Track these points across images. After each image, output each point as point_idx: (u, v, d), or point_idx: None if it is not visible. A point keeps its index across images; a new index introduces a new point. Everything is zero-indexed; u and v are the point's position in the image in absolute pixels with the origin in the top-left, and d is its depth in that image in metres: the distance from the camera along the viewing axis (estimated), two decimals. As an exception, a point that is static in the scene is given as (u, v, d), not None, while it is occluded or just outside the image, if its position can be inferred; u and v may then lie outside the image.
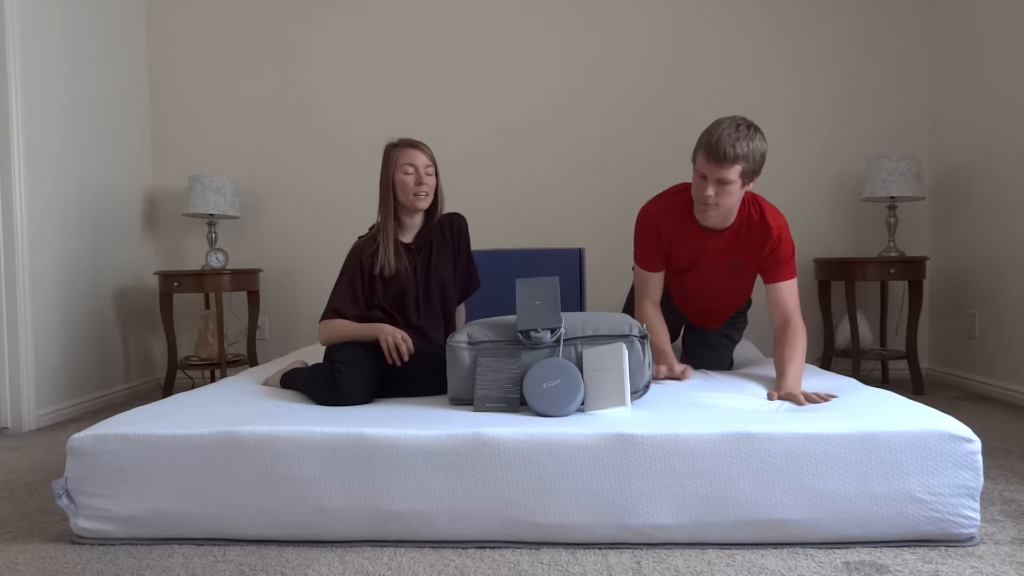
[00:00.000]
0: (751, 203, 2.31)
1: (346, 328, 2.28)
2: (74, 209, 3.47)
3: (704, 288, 2.47)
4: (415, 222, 2.40)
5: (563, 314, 2.02)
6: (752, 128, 2.11)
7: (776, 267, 2.30)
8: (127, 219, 3.93)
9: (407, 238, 2.39)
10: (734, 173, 2.09)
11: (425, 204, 2.33)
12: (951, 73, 3.77)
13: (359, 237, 2.45)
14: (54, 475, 2.37)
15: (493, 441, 1.67)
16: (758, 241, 2.30)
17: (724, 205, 2.17)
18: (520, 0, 4.05)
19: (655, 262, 2.41)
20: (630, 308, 2.79)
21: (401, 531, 1.70)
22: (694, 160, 2.17)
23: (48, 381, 3.25)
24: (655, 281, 2.43)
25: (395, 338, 2.17)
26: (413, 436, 1.70)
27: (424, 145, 2.35)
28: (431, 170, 2.34)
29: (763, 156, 2.13)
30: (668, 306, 2.59)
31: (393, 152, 2.34)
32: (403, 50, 4.09)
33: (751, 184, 2.19)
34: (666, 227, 2.35)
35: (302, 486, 1.70)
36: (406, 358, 2.18)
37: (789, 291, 2.31)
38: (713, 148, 2.08)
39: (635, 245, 2.44)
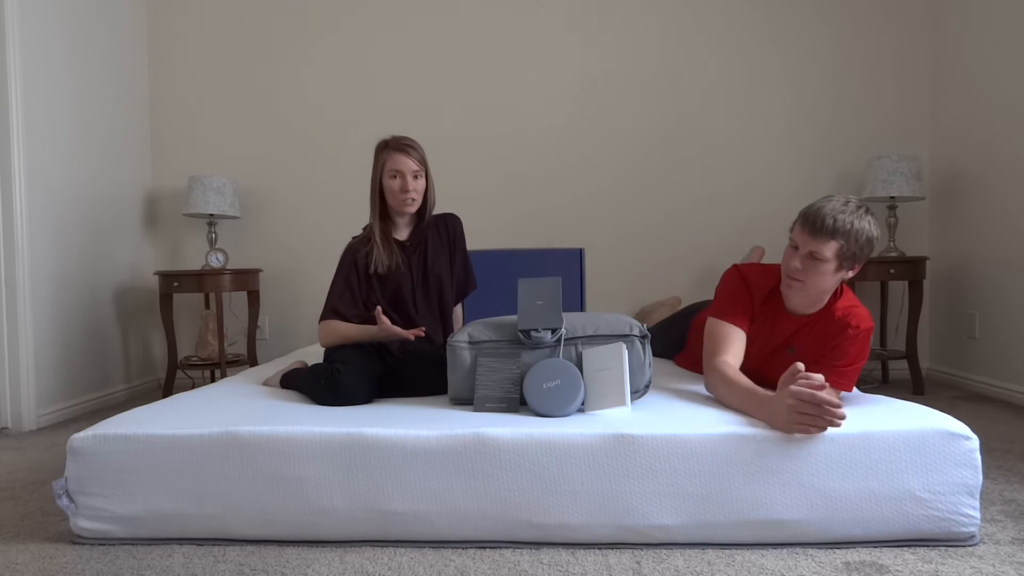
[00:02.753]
0: (844, 298, 2.02)
1: (346, 330, 2.27)
2: (74, 209, 3.47)
3: (759, 367, 2.17)
4: (406, 221, 2.39)
5: (564, 314, 2.02)
6: (862, 208, 1.90)
7: (833, 365, 1.95)
8: (127, 219, 3.93)
9: (401, 235, 2.39)
10: (829, 249, 1.87)
11: (412, 209, 2.31)
12: (951, 73, 3.77)
13: (353, 237, 2.44)
14: (54, 475, 2.37)
15: (493, 441, 1.67)
16: (828, 334, 2.00)
17: (810, 284, 1.92)
18: (521, 2, 4.06)
19: (741, 318, 2.05)
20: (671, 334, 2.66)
21: (401, 531, 1.70)
22: (792, 230, 1.96)
23: (48, 381, 3.25)
24: (737, 337, 2.03)
25: (396, 333, 2.16)
26: (413, 436, 1.70)
27: (413, 148, 2.29)
28: (419, 174, 2.30)
29: (869, 242, 1.88)
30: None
31: (382, 155, 2.31)
32: (404, 50, 4.09)
33: (849, 272, 1.93)
34: (759, 294, 2.07)
35: (302, 486, 1.70)
36: (421, 334, 2.17)
37: None
38: (812, 217, 1.88)
39: (718, 298, 2.11)
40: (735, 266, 2.15)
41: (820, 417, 1.59)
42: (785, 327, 2.07)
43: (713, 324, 2.08)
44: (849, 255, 1.89)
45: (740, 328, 2.04)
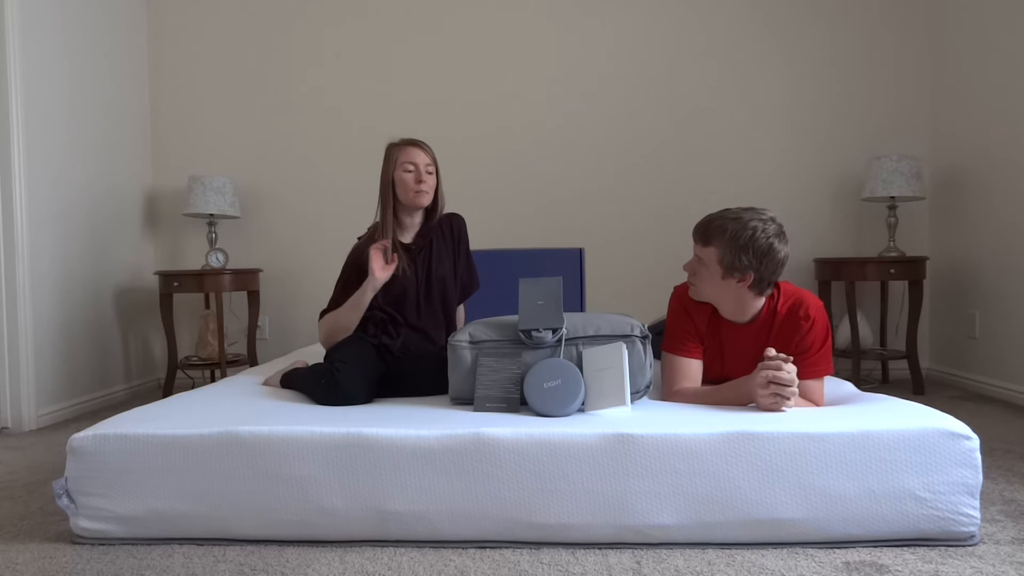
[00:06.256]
0: (783, 297, 2.01)
1: (337, 312, 2.30)
2: (74, 209, 3.47)
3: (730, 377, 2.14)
4: (415, 221, 2.39)
5: (564, 314, 2.02)
6: (765, 223, 1.88)
7: (803, 358, 1.95)
8: (127, 219, 3.93)
9: (406, 238, 2.39)
10: (709, 255, 1.93)
11: (426, 202, 2.33)
12: (951, 73, 3.77)
13: (358, 238, 2.45)
14: (54, 475, 2.37)
15: (493, 441, 1.67)
16: (786, 334, 1.99)
17: (701, 289, 1.99)
18: (521, 2, 4.06)
19: (690, 347, 2.06)
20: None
21: (401, 531, 1.70)
22: None
23: (48, 381, 3.25)
24: (691, 366, 2.05)
25: (379, 265, 2.22)
26: (413, 436, 1.70)
27: (425, 144, 2.35)
28: (431, 168, 2.33)
29: (751, 250, 1.87)
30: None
31: (394, 151, 2.34)
32: (404, 50, 4.09)
33: (741, 282, 1.93)
34: (701, 316, 2.07)
35: (302, 486, 1.70)
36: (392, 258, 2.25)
37: (812, 393, 1.96)
38: (698, 224, 1.97)
39: (667, 330, 2.11)
40: (675, 291, 2.14)
41: (780, 390, 1.79)
42: (738, 337, 2.05)
43: (666, 357, 2.11)
44: (728, 263, 1.90)
45: (691, 357, 2.07)
